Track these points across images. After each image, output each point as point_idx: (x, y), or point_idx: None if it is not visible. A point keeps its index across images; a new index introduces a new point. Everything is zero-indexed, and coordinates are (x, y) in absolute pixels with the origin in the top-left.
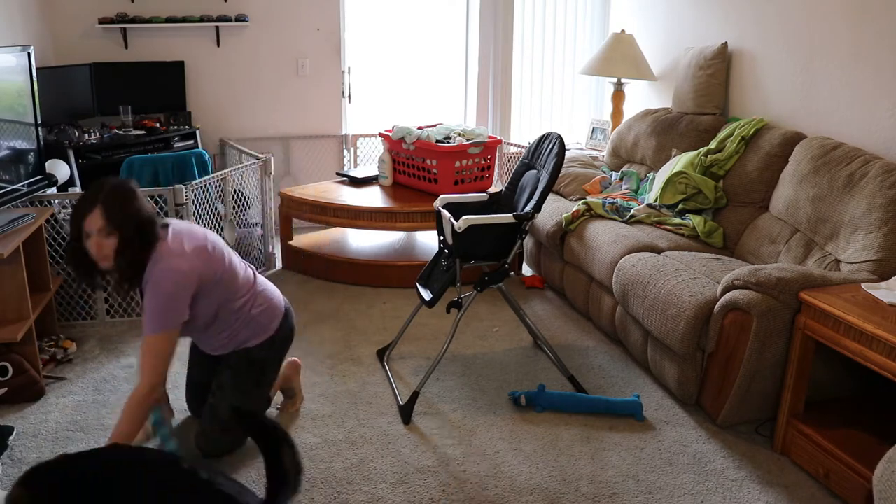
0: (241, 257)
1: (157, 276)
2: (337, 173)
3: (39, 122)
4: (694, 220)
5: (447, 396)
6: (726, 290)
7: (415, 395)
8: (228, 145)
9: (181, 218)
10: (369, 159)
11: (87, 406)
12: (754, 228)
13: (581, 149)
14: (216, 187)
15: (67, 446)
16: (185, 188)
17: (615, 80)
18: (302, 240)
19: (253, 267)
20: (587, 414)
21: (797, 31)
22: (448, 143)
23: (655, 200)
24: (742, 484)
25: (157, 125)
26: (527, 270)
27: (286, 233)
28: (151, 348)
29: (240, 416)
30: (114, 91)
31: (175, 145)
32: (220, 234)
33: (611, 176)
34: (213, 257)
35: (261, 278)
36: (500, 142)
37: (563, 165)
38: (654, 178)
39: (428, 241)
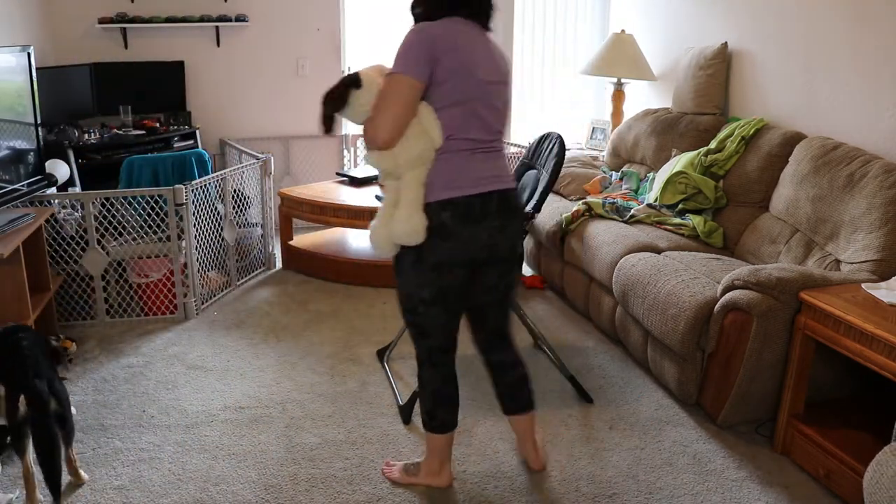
0: (241, 257)
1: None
2: (337, 173)
3: (39, 122)
4: (694, 220)
5: None
6: (726, 290)
7: (415, 395)
8: (228, 145)
9: (181, 218)
10: None
11: (87, 406)
12: (754, 228)
13: (581, 149)
14: (216, 187)
15: None
16: (185, 188)
17: (615, 80)
18: (302, 240)
19: None
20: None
21: (797, 31)
22: None
23: (655, 200)
24: (742, 484)
25: (157, 125)
26: (527, 270)
27: (286, 233)
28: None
29: None
30: (114, 91)
31: (175, 145)
32: (220, 234)
33: (611, 176)
34: None
35: None
36: None
37: (563, 165)
38: (654, 178)
39: None
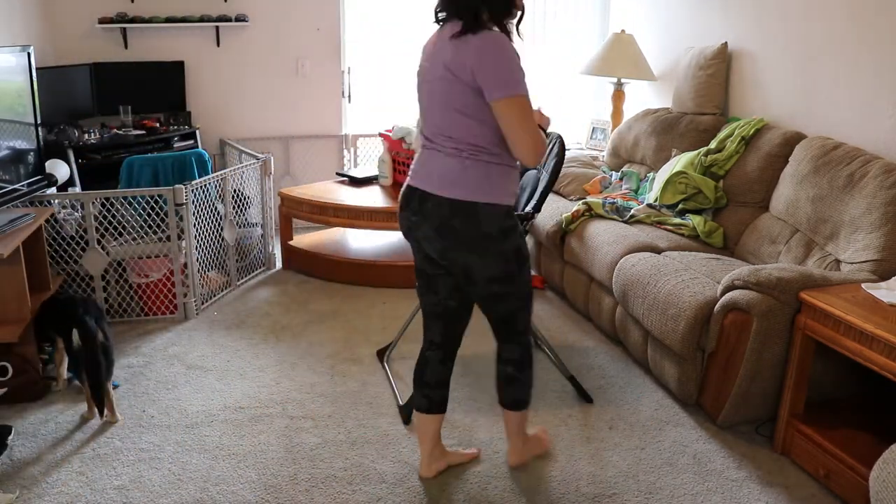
0: (241, 257)
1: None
2: (337, 173)
3: (39, 122)
4: (694, 220)
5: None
6: (726, 290)
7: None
8: (228, 145)
9: (181, 218)
10: (369, 159)
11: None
12: (754, 228)
13: (581, 149)
14: (216, 187)
15: (67, 446)
16: (185, 188)
17: (615, 80)
18: (302, 240)
19: None
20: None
21: (797, 31)
22: None
23: (655, 200)
24: (742, 484)
25: (157, 125)
26: None
27: (286, 233)
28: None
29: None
30: (114, 91)
31: (175, 145)
32: (220, 234)
33: (611, 176)
34: None
35: None
36: None
37: (563, 165)
38: (654, 178)
39: None
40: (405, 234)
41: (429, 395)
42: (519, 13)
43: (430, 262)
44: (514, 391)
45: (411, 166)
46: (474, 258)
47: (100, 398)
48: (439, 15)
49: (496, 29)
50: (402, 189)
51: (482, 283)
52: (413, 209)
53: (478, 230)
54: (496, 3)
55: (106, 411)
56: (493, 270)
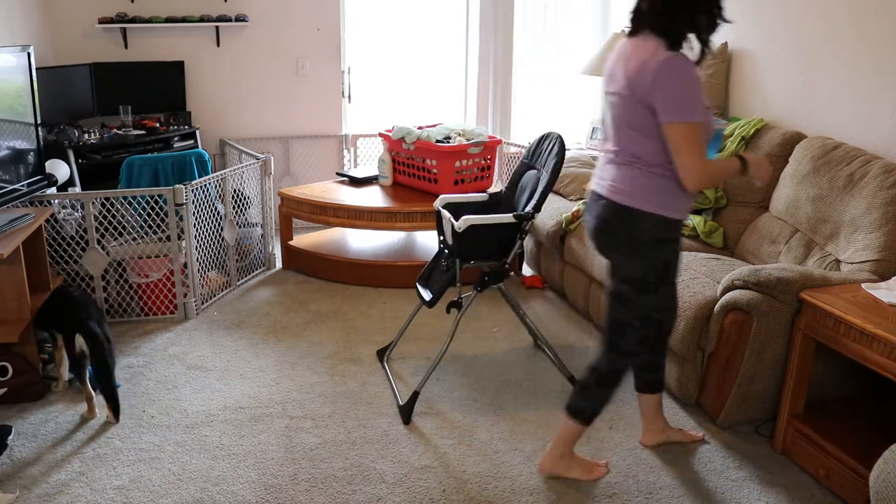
0: (241, 257)
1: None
2: (337, 173)
3: (39, 122)
4: (694, 220)
5: (447, 396)
6: (726, 290)
7: (415, 395)
8: (228, 145)
9: (181, 218)
10: (369, 159)
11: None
12: (754, 228)
13: (581, 149)
14: (216, 187)
15: (67, 446)
16: (185, 188)
17: None
18: (302, 240)
19: None
20: None
21: (797, 31)
22: (448, 143)
23: None
24: (742, 484)
25: (157, 125)
26: (527, 270)
27: (286, 233)
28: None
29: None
30: (114, 91)
31: (175, 145)
32: (220, 234)
33: None
34: None
35: None
36: (500, 142)
37: (563, 165)
38: None
39: (428, 241)
40: (588, 234)
41: (641, 376)
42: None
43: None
44: (581, 398)
45: (595, 173)
46: (622, 257)
47: (116, 404)
48: (633, 25)
49: (698, 45)
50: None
51: (618, 279)
52: (589, 210)
53: (633, 235)
54: (705, 24)
55: (108, 412)
56: (633, 272)
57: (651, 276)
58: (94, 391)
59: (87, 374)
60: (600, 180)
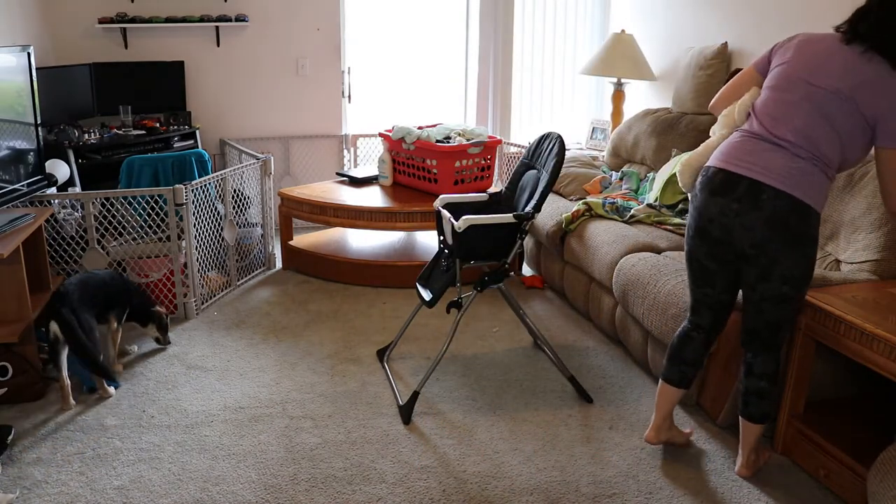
0: (241, 257)
1: None
2: (337, 173)
3: (39, 122)
4: None
5: (447, 396)
6: None
7: (415, 395)
8: (228, 145)
9: (181, 218)
10: (369, 159)
11: (87, 406)
12: None
13: (581, 149)
14: (216, 187)
15: (67, 446)
16: (185, 188)
17: (615, 80)
18: (302, 240)
19: None
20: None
21: (797, 32)
22: (448, 143)
23: (655, 200)
24: (742, 484)
25: (157, 125)
26: (527, 270)
27: (286, 233)
28: None
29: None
30: (114, 91)
31: (175, 145)
32: (220, 234)
33: (611, 176)
34: None
35: None
36: (500, 142)
37: (563, 165)
38: (654, 178)
39: (428, 241)
40: (707, 220)
41: (685, 371)
42: None
43: (713, 258)
44: (766, 405)
45: (729, 153)
46: (789, 253)
47: (105, 371)
48: (851, 34)
49: None
50: (712, 174)
51: (777, 280)
52: (737, 196)
53: (807, 231)
54: None
55: (100, 389)
56: (797, 270)
57: (809, 272)
58: (59, 373)
59: (64, 363)
60: (762, 169)
